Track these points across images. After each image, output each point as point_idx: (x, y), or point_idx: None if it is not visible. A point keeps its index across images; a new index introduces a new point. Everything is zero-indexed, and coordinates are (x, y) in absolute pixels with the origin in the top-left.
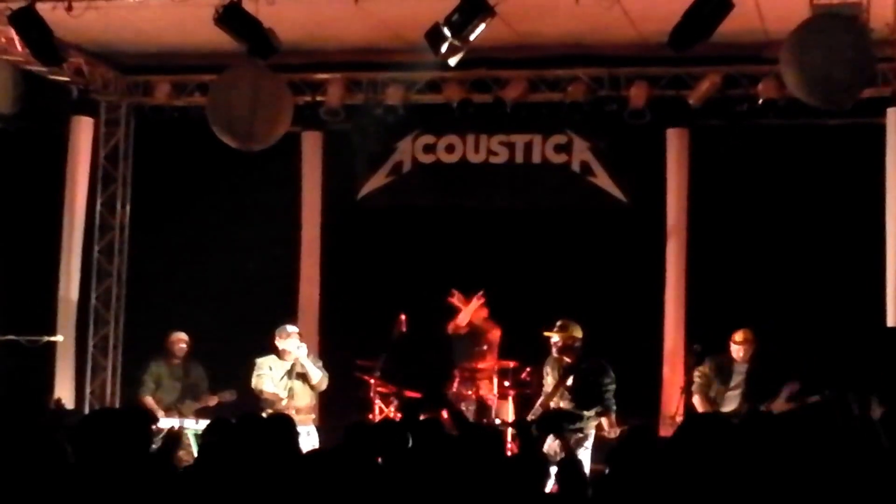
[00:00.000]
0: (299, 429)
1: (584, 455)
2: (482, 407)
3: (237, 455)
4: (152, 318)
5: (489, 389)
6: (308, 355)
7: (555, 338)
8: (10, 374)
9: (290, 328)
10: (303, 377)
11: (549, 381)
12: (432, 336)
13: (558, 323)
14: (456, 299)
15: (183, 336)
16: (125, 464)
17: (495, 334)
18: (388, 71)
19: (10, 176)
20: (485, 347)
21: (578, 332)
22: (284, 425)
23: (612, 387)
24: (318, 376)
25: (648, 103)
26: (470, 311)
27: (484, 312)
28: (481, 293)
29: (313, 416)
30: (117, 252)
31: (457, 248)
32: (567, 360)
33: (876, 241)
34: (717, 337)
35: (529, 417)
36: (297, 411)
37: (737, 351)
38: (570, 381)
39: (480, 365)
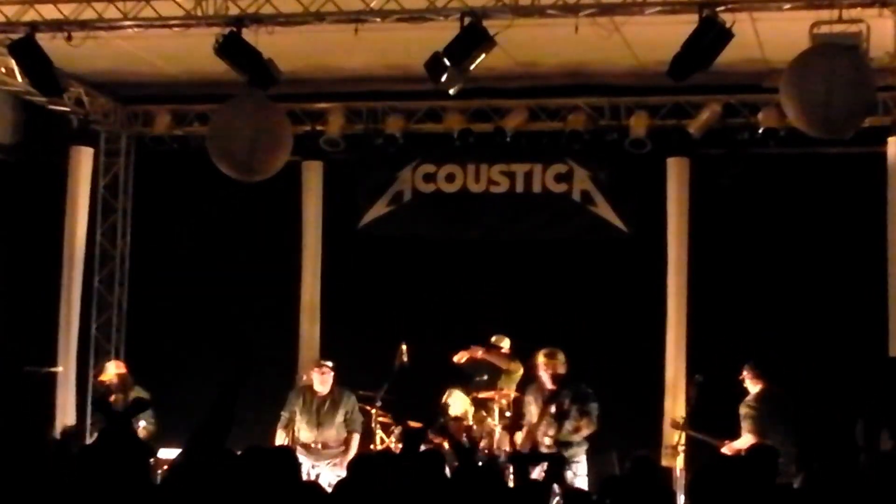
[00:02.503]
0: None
1: (581, 483)
2: (490, 438)
3: (238, 487)
4: (152, 349)
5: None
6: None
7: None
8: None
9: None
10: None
11: (533, 409)
12: (437, 365)
13: (544, 351)
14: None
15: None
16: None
17: (516, 368)
18: (387, 100)
19: (10, 206)
20: (486, 377)
21: (563, 360)
22: (285, 457)
23: (597, 412)
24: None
25: (649, 132)
26: (467, 356)
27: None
28: (482, 351)
29: (342, 448)
30: (117, 282)
31: (457, 277)
32: (551, 387)
33: (878, 270)
34: (719, 367)
35: (519, 449)
36: (325, 446)
37: (746, 384)
38: (553, 409)
39: (485, 395)
